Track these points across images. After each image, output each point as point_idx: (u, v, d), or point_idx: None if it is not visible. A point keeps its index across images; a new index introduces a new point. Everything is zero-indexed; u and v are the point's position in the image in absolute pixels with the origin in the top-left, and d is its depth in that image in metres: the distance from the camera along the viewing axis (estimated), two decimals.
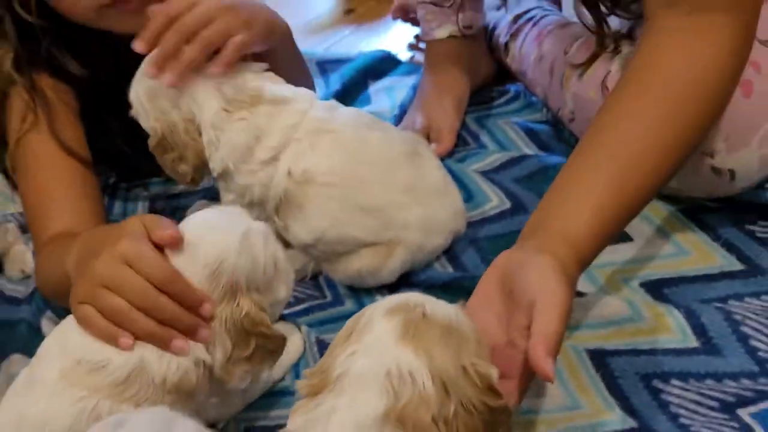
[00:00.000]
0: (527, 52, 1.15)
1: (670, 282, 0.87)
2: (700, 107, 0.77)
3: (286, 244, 0.89)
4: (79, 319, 0.71)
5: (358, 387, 0.56)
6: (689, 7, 0.76)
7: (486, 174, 1.07)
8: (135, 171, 1.17)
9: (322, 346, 0.87)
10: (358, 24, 1.64)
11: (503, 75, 1.24)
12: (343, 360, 0.58)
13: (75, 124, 0.98)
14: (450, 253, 0.97)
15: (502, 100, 1.22)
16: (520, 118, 1.18)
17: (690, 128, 0.77)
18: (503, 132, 1.16)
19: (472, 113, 1.20)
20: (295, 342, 0.87)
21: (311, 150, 0.89)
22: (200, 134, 0.89)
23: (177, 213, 0.77)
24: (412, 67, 1.36)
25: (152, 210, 1.14)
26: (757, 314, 0.81)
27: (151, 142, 0.90)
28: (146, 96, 0.89)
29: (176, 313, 0.69)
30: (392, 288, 0.93)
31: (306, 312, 0.94)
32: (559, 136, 1.12)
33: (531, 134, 1.14)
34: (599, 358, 0.80)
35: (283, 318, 0.90)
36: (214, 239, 0.72)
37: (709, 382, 0.76)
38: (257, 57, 0.92)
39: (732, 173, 0.86)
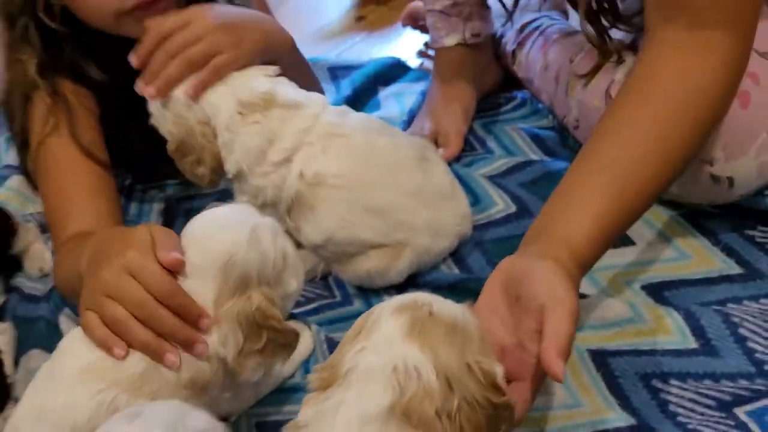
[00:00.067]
0: (533, 61, 1.15)
1: (670, 285, 0.88)
2: (699, 115, 0.78)
3: (298, 245, 0.89)
4: (83, 324, 0.74)
5: (365, 381, 0.58)
6: (688, 23, 0.77)
7: (492, 178, 1.08)
8: (152, 173, 1.18)
9: (331, 344, 0.89)
10: (368, 31, 1.63)
11: (510, 82, 1.25)
12: (352, 356, 0.59)
13: (95, 127, 1.00)
14: (456, 255, 0.98)
15: (509, 106, 1.23)
16: (526, 124, 1.19)
17: (689, 135, 0.78)
18: (510, 138, 1.17)
19: (480, 119, 1.20)
20: (305, 340, 0.88)
21: (323, 153, 0.90)
22: (216, 137, 0.90)
23: (190, 214, 0.79)
24: (421, 73, 1.36)
25: (167, 211, 1.15)
26: (754, 317, 0.82)
27: (170, 147, 0.92)
28: (163, 102, 0.91)
29: (174, 326, 0.72)
30: (400, 289, 0.94)
31: (316, 311, 0.96)
32: (565, 142, 1.13)
33: (537, 140, 1.15)
34: (600, 359, 0.81)
35: (293, 317, 0.91)
36: (223, 235, 0.73)
37: (707, 382, 0.77)
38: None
39: (731, 181, 0.87)
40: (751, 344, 0.80)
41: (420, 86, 1.30)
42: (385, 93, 1.34)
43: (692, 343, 0.81)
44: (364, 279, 0.95)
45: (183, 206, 1.16)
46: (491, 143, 1.17)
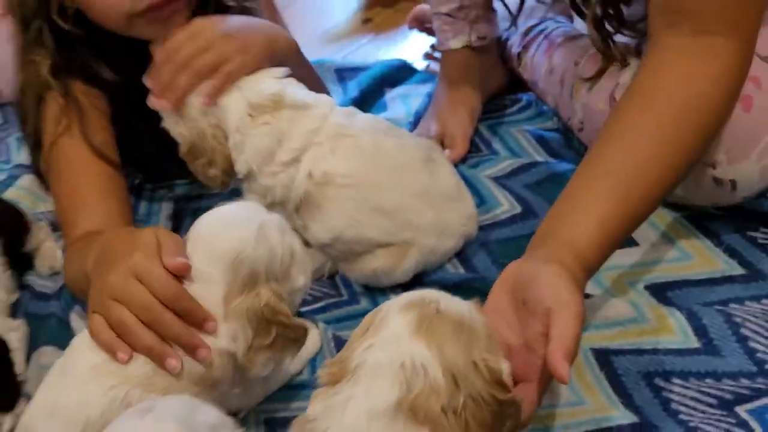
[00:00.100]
0: (539, 63, 1.16)
1: (673, 285, 0.89)
2: (702, 120, 0.78)
3: (305, 244, 0.90)
4: (89, 327, 0.75)
5: (373, 377, 0.59)
6: (691, 29, 0.78)
7: (498, 179, 1.09)
8: (163, 174, 1.19)
9: (339, 342, 0.89)
10: (375, 33, 1.64)
11: (516, 84, 1.25)
12: (361, 352, 0.60)
13: (106, 128, 1.00)
14: (462, 255, 0.99)
15: (515, 108, 1.24)
16: (531, 126, 1.19)
17: (692, 140, 0.78)
18: (515, 139, 1.17)
19: (485, 121, 1.21)
20: (312, 338, 0.88)
21: (331, 153, 0.91)
22: (227, 139, 0.91)
23: (199, 213, 0.80)
24: (428, 75, 1.37)
25: (176, 211, 1.16)
26: (756, 317, 0.83)
27: (182, 149, 0.93)
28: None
29: (179, 330, 0.73)
30: (406, 288, 0.95)
31: (323, 309, 0.97)
32: (569, 144, 1.13)
33: (542, 142, 1.15)
34: (604, 357, 0.82)
35: (300, 315, 0.91)
36: (231, 233, 0.74)
37: (709, 380, 0.78)
38: None
39: (733, 183, 0.87)
40: (752, 344, 0.81)
41: (426, 88, 1.30)
42: (391, 95, 1.34)
43: (694, 343, 0.82)
44: (370, 278, 0.96)
45: (192, 205, 1.17)
46: (497, 145, 1.17)
